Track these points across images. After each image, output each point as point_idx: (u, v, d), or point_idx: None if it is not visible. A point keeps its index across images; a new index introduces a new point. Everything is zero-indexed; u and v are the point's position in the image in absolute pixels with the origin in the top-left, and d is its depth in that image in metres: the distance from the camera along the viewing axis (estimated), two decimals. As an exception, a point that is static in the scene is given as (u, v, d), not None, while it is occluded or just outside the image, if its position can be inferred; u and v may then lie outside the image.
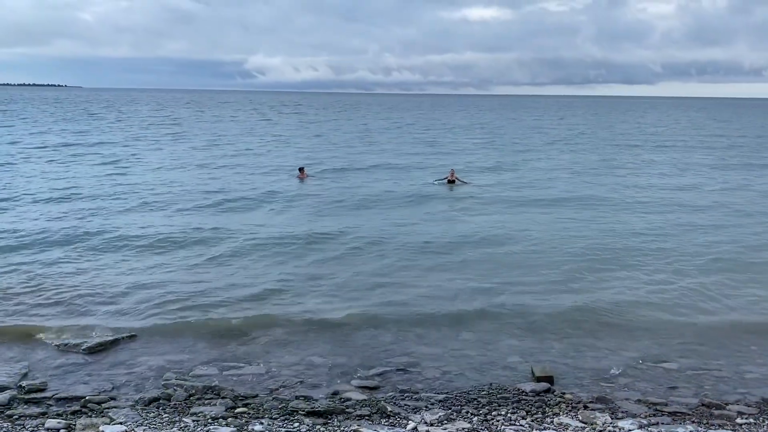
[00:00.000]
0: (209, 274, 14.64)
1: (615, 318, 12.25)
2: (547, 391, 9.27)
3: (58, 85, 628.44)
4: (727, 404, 8.96)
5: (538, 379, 9.60)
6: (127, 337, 11.11)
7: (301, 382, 9.62)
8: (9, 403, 8.61)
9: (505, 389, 9.36)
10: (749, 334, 11.55)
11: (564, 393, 9.22)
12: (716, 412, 8.68)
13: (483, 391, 9.31)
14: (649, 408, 8.76)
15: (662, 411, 8.67)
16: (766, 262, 16.04)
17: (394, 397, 9.10)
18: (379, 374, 9.93)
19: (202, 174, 30.70)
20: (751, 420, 8.37)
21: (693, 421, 8.32)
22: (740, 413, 8.62)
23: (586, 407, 8.69)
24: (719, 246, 17.60)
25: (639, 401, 9.02)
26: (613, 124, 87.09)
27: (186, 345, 10.90)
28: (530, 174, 32.63)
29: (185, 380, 9.54)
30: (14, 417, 8.11)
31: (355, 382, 9.62)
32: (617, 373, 10.04)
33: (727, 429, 8.06)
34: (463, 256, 16.36)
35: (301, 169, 29.64)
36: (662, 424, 8.16)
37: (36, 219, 19.90)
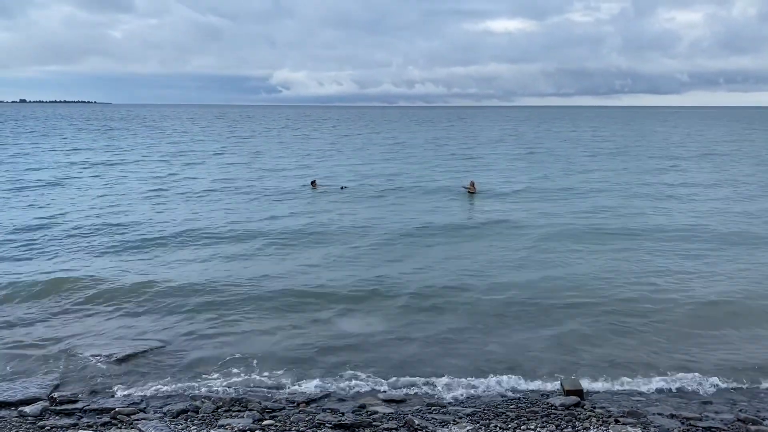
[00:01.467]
0: (236, 286, 14.71)
1: (647, 331, 12.01)
2: (577, 405, 9.11)
3: (88, 102, 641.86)
4: (764, 419, 8.71)
5: (568, 393, 9.45)
6: (156, 348, 11.23)
7: (327, 395, 9.61)
8: (41, 414, 8.75)
9: (534, 403, 9.23)
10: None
11: (594, 407, 9.05)
12: (753, 427, 8.44)
13: (511, 404, 9.19)
14: (683, 423, 8.55)
15: (696, 426, 8.46)
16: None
17: (421, 410, 9.03)
18: (406, 387, 9.88)
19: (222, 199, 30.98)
20: (790, 436, 8.13)
21: (729, 437, 8.10)
22: (778, 429, 8.37)
23: (617, 421, 8.51)
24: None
25: (672, 416, 8.81)
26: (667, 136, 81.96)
27: (214, 357, 10.96)
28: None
29: (213, 392, 9.59)
30: (46, 428, 8.23)
31: (382, 396, 9.59)
32: (649, 387, 9.84)
33: (764, 445, 7.83)
34: (493, 270, 16.20)
35: (312, 182, 30.69)
36: (697, 439, 7.95)
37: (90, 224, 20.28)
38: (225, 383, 9.97)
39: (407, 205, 26.24)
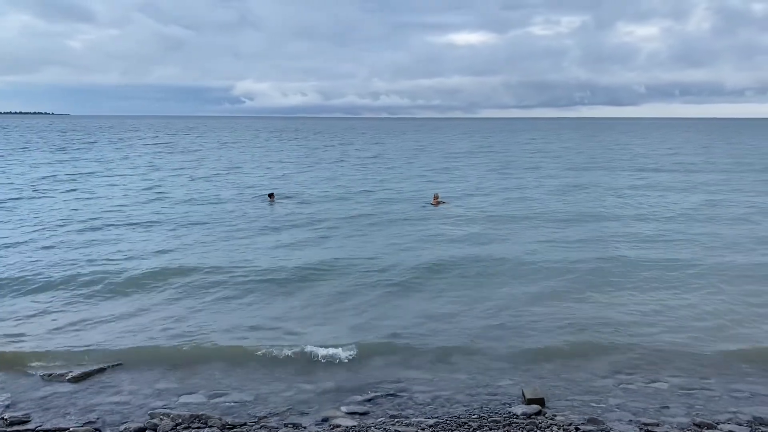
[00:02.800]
0: (194, 303, 14.48)
1: (606, 338, 12.22)
2: (539, 413, 9.20)
3: (45, 113, 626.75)
4: (718, 423, 8.92)
5: (529, 402, 9.53)
6: (113, 365, 10.96)
7: (289, 409, 9.50)
8: (-10, 436, 8.44)
9: (496, 412, 9.28)
10: (741, 353, 11.50)
11: (555, 415, 9.14)
12: (707, 431, 8.64)
13: (474, 414, 9.22)
14: (641, 429, 8.70)
15: (654, 431, 8.62)
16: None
17: (384, 422, 8.99)
18: (369, 400, 9.83)
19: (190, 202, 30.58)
20: (743, 439, 8.34)
21: (685, 441, 8.27)
22: (732, 432, 8.59)
23: (577, 429, 8.62)
24: (720, 266, 17.57)
25: (631, 422, 8.96)
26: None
27: (173, 373, 10.75)
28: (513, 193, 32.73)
29: (172, 409, 9.39)
30: (-4, 450, 7.95)
31: (344, 408, 9.51)
32: (609, 393, 9.99)
33: (719, 448, 8.01)
34: (450, 279, 16.30)
35: (270, 195, 30.16)
36: (654, 444, 8.10)
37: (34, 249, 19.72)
38: (185, 400, 9.77)
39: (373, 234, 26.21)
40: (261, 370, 10.85)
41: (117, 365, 10.98)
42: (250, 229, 22.94)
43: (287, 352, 11.41)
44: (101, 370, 10.75)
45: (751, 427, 8.81)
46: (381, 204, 29.32)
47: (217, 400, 9.78)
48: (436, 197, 28.41)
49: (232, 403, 9.66)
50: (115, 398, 9.78)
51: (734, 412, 9.30)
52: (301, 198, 30.96)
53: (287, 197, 30.92)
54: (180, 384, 10.32)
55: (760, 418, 9.06)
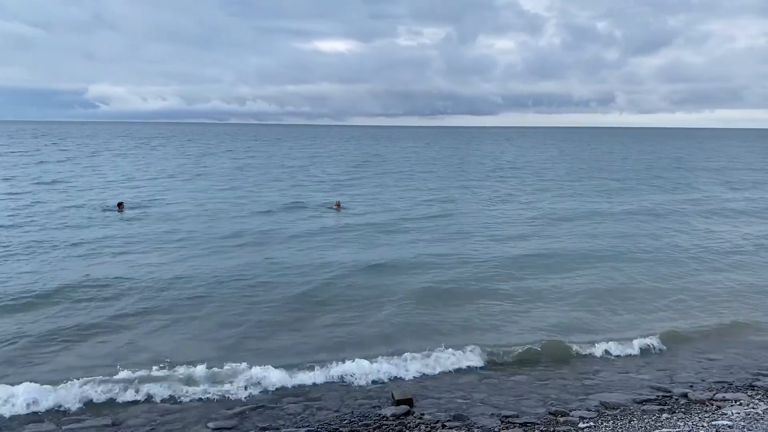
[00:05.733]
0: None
1: (469, 338, 12.71)
2: (407, 413, 9.40)
3: None
4: (571, 411, 9.60)
5: (398, 402, 9.71)
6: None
7: (152, 430, 8.98)
8: None
9: (367, 416, 9.37)
10: (591, 345, 12.43)
11: (423, 414, 9.39)
12: (561, 419, 9.27)
13: (345, 420, 9.24)
14: (503, 422, 9.16)
15: (514, 423, 9.10)
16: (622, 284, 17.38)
17: (255, 435, 8.77)
18: (238, 414, 9.53)
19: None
20: (591, 423, 9.03)
21: (541, 430, 8.81)
22: (582, 418, 9.27)
23: (444, 426, 8.91)
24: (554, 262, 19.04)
25: (493, 415, 9.41)
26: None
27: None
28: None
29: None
30: None
31: (211, 424, 9.15)
32: (473, 389, 10.41)
33: (571, 434, 8.62)
34: (315, 284, 16.28)
35: (119, 204, 28.59)
36: (514, 435, 8.56)
37: None
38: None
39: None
40: (120, 390, 10.15)
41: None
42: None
43: (145, 367, 10.82)
44: None
45: (598, 411, 9.57)
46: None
47: (72, 426, 9.02)
48: (338, 204, 30.81)
49: (90, 428, 8.95)
50: None
51: (584, 399, 10.07)
52: (152, 208, 29.32)
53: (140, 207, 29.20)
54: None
55: (606, 402, 9.87)
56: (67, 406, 9.61)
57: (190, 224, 24.91)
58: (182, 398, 9.98)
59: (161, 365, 10.88)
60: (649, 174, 53.31)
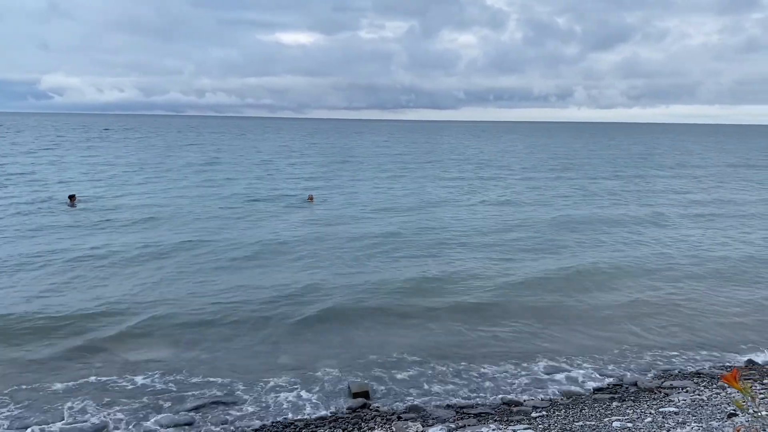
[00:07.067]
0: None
1: (419, 326, 12.82)
2: (364, 406, 9.42)
3: None
4: (524, 401, 9.76)
5: (355, 395, 9.72)
6: None
7: (104, 427, 8.80)
8: None
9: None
10: (542, 334, 12.68)
11: (379, 407, 9.42)
12: (515, 409, 9.41)
13: (299, 415, 9.19)
14: (457, 413, 9.25)
15: (469, 414, 9.21)
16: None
17: (210, 430, 8.66)
18: (194, 408, 9.39)
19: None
20: (544, 413, 9.19)
21: (495, 420, 8.92)
22: (535, 408, 9.43)
23: (399, 418, 8.95)
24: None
25: (448, 406, 9.50)
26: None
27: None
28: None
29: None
30: None
31: (165, 420, 9.00)
32: (430, 380, 10.48)
33: (524, 423, 8.75)
34: (262, 269, 16.20)
35: (71, 197, 27.93)
36: (469, 426, 8.64)
37: None
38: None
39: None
40: (70, 382, 9.93)
41: None
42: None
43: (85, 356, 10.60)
44: None
45: (550, 401, 9.75)
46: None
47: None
48: (311, 197, 31.76)
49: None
50: None
51: (537, 390, 10.24)
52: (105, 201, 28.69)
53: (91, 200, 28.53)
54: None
55: (565, 390, 10.07)
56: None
57: (161, 226, 24.48)
58: (136, 391, 9.79)
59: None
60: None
